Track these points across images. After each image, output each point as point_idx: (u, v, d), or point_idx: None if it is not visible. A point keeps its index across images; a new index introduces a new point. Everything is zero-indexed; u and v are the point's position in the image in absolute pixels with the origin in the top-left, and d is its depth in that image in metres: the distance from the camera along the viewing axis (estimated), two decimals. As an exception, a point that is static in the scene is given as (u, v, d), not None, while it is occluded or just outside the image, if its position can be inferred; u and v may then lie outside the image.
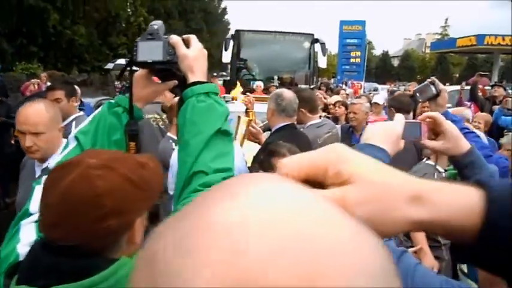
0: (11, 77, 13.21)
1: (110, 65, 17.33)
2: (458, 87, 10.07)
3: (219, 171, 1.15)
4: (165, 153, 3.45)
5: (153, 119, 4.50)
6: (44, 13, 15.74)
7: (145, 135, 4.60)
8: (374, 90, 24.17)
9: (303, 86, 11.59)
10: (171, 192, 2.95)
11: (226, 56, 12.79)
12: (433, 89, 1.86)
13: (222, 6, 46.20)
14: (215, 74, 12.67)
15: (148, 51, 1.21)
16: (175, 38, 1.23)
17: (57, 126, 2.40)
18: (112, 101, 1.35)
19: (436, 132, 1.32)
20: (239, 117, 3.83)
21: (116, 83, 15.35)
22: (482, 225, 0.43)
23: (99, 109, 1.35)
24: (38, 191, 1.16)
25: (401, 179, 0.46)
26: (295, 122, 3.28)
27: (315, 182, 0.45)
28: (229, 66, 13.39)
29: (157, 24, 1.27)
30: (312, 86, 10.19)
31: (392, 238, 1.07)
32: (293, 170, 0.45)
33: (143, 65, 1.25)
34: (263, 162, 2.18)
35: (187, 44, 1.25)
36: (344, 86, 16.49)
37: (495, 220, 0.43)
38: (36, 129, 2.30)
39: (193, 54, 1.23)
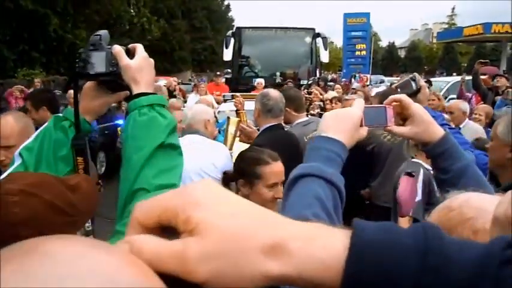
0: (13, 83, 13.22)
1: None
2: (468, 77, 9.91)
3: (162, 188, 1.09)
4: None
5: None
6: (45, 18, 15.76)
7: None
8: (380, 83, 23.92)
9: (305, 81, 11.52)
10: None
11: (227, 54, 12.75)
12: (414, 85, 1.82)
13: (225, 3, 46.22)
14: (218, 72, 12.58)
15: (91, 62, 1.17)
16: (117, 48, 1.18)
17: (29, 137, 2.30)
18: (60, 114, 1.29)
19: (404, 117, 1.19)
20: (228, 117, 3.76)
21: None
22: (341, 284, 0.37)
23: (45, 124, 1.28)
24: None
25: (259, 224, 0.39)
26: (282, 122, 3.18)
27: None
28: (231, 64, 13.32)
29: (101, 33, 1.23)
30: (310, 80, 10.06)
31: None
32: (144, 216, 0.40)
33: (87, 77, 1.20)
34: (245, 171, 2.04)
35: (132, 53, 1.21)
36: (353, 80, 16.27)
37: (357, 277, 0.37)
38: (7, 142, 2.21)
39: (136, 65, 1.18)
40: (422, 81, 1.83)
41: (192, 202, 0.39)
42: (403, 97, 1.19)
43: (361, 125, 1.11)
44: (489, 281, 0.36)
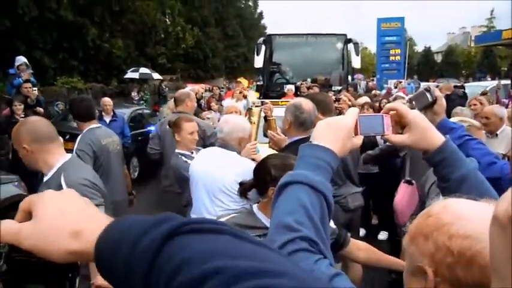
0: (52, 91, 13.71)
1: (130, 74, 17.33)
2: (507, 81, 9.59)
3: None
4: (177, 169, 3.49)
5: (174, 131, 4.53)
6: (83, 28, 16.28)
7: (166, 145, 4.65)
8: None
9: (338, 87, 11.41)
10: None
11: (259, 61, 12.79)
12: (429, 96, 1.74)
13: (258, 11, 46.43)
14: (240, 78, 12.63)
15: None
16: None
17: (20, 144, 2.41)
18: None
19: (402, 125, 1.18)
20: (250, 108, 3.72)
21: (133, 94, 15.48)
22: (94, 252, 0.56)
23: None
24: None
25: (73, 217, 0.59)
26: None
27: None
28: (262, 71, 13.37)
29: None
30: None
31: (325, 258, 0.92)
32: (22, 206, 0.62)
33: None
34: (277, 178, 2.01)
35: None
36: (392, 87, 15.87)
37: (99, 259, 0.56)
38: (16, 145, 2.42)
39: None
40: (437, 92, 1.76)
41: (40, 199, 0.61)
42: (399, 105, 1.18)
43: (356, 134, 1.12)
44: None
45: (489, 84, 12.90)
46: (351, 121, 1.09)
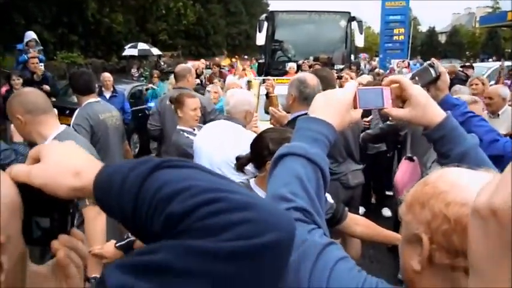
0: (52, 66, 13.62)
1: (129, 51, 16.94)
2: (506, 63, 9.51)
3: None
4: (180, 146, 3.45)
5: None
6: (83, 2, 16.09)
7: (166, 121, 4.61)
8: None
9: (341, 66, 11.31)
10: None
11: (261, 38, 12.63)
12: (433, 71, 1.70)
13: (261, -13, 45.75)
14: (246, 56, 12.48)
15: None
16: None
17: (13, 115, 2.42)
18: None
19: (403, 99, 1.16)
20: (249, 81, 3.70)
21: (133, 70, 14.97)
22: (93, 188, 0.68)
23: None
24: None
25: (75, 160, 0.71)
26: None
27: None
28: (264, 49, 13.22)
29: None
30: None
31: (319, 228, 0.93)
32: (31, 154, 0.74)
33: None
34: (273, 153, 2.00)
35: None
36: (394, 67, 15.61)
37: (96, 192, 0.67)
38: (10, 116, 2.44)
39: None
40: (441, 68, 1.72)
41: (46, 147, 0.74)
42: (401, 78, 1.16)
43: (355, 107, 1.10)
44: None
45: (493, 65, 12.77)
46: (350, 94, 1.07)
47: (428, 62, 1.74)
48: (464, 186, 0.84)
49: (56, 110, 2.60)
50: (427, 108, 1.14)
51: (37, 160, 0.72)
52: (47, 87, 7.53)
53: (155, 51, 17.74)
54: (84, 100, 3.78)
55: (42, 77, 7.86)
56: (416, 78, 1.71)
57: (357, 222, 1.99)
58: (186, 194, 0.57)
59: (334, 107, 1.04)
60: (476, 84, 5.61)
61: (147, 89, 7.69)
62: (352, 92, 1.08)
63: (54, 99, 7.10)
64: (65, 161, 0.71)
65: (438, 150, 1.17)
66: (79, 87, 3.84)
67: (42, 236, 0.73)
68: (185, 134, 3.49)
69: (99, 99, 4.04)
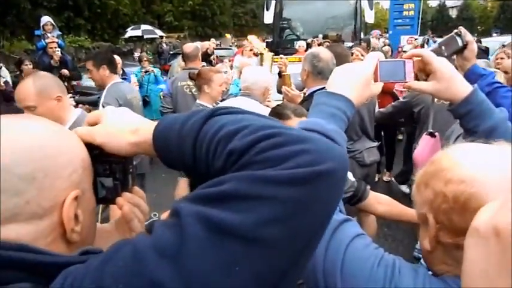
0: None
1: (132, 32, 16.44)
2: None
3: None
4: None
5: (185, 86, 4.42)
6: (88, -15, 15.98)
7: (179, 103, 4.56)
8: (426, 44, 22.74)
9: (350, 44, 11.13)
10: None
11: (268, 17, 12.48)
12: (459, 40, 1.64)
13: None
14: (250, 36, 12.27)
15: None
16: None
17: (50, 97, 2.31)
18: None
19: (427, 73, 1.10)
20: (261, 53, 3.66)
21: (135, 54, 14.40)
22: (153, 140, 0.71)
23: None
24: None
25: (131, 120, 0.77)
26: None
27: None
28: (272, 27, 13.05)
29: None
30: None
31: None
32: (89, 119, 0.80)
33: None
34: None
35: None
36: (405, 44, 15.27)
37: (156, 142, 0.71)
38: (26, 104, 2.27)
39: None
40: (469, 36, 1.66)
41: (103, 111, 0.79)
42: (424, 51, 1.10)
43: (376, 80, 1.04)
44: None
45: (505, 39, 12.47)
46: (370, 67, 1.02)
47: (456, 30, 1.68)
48: (465, 163, 0.80)
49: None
50: (452, 82, 1.08)
51: (94, 124, 0.78)
52: (65, 71, 7.40)
53: (159, 32, 17.43)
54: (109, 80, 3.77)
55: (60, 61, 7.62)
56: (443, 47, 1.65)
57: (380, 201, 1.95)
58: (246, 131, 0.60)
59: (354, 80, 0.99)
60: (502, 58, 5.31)
61: (146, 72, 7.51)
62: (373, 65, 1.03)
63: (74, 83, 6.99)
64: (123, 120, 0.77)
65: (465, 126, 1.11)
66: (113, 65, 3.85)
67: (106, 194, 0.80)
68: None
69: (121, 80, 4.05)
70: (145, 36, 16.70)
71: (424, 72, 1.11)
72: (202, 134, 0.64)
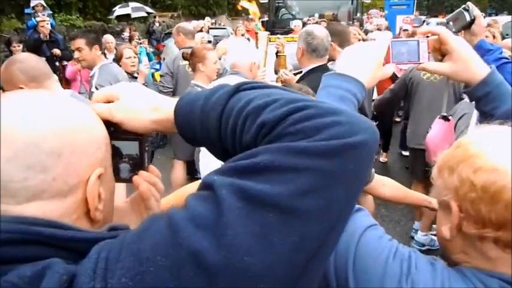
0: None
1: (120, 11, 15.70)
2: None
3: None
4: None
5: (187, 66, 4.36)
6: (79, -38, 15.57)
7: (179, 83, 4.50)
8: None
9: (345, 23, 11.00)
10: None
11: (264, -5, 12.25)
12: (467, 15, 1.62)
13: None
14: (250, 16, 12.05)
15: None
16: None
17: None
18: None
19: (442, 53, 1.06)
20: (256, 33, 3.64)
21: (124, 34, 13.72)
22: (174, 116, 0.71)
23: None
24: None
25: (149, 97, 0.75)
26: (327, 62, 3.00)
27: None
28: (267, 6, 12.85)
29: None
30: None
31: None
32: (101, 96, 0.77)
33: None
34: None
35: None
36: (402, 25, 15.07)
37: (178, 118, 0.71)
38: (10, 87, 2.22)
39: None
40: (477, 11, 1.64)
41: (118, 88, 0.77)
42: (441, 30, 1.05)
43: (387, 61, 1.00)
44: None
45: (503, 19, 12.38)
46: (382, 48, 0.98)
47: (464, 5, 1.66)
48: (496, 150, 0.76)
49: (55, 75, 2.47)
50: (469, 63, 1.04)
51: (105, 102, 0.76)
52: (57, 51, 7.22)
53: (148, 9, 16.76)
54: (99, 60, 3.72)
55: (51, 40, 7.43)
56: (451, 23, 1.63)
57: (384, 183, 1.92)
58: (276, 105, 0.60)
59: (365, 62, 0.95)
60: (487, 37, 5.39)
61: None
62: (385, 46, 0.99)
63: (66, 63, 6.80)
64: (142, 97, 0.75)
65: (481, 109, 1.08)
66: (100, 46, 3.83)
67: (123, 173, 0.79)
68: (198, 89, 3.43)
69: (110, 60, 3.99)
70: (133, 15, 15.94)
71: (439, 51, 1.07)
72: (228, 109, 0.64)
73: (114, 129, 0.74)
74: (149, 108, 0.73)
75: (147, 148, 0.80)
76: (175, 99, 0.73)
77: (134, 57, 4.45)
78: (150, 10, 16.83)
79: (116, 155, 0.76)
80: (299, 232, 0.53)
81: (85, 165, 0.64)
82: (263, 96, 0.63)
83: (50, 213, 0.60)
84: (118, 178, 0.78)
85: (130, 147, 0.78)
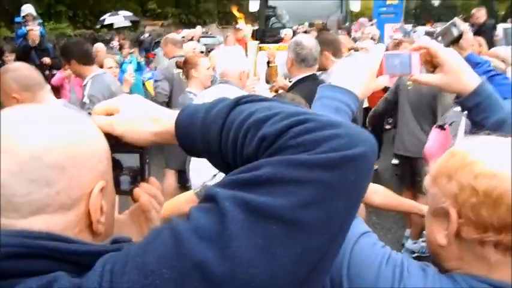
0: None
1: (110, 19, 15.33)
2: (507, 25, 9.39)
3: None
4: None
5: (181, 73, 4.38)
6: (69, -30, 15.56)
7: (174, 90, 4.49)
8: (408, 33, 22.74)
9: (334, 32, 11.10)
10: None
11: (254, 5, 12.39)
12: (455, 31, 1.67)
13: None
14: (238, 26, 12.02)
15: None
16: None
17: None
18: None
19: (434, 65, 1.09)
20: (246, 42, 3.67)
21: (113, 43, 12.55)
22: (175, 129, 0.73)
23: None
24: None
25: (150, 109, 0.76)
26: (316, 71, 3.04)
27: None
28: (257, 15, 12.94)
29: None
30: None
31: None
32: (102, 109, 0.78)
33: None
34: None
35: None
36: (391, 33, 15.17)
37: (179, 130, 0.72)
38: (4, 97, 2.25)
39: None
40: (464, 26, 1.70)
41: (118, 100, 0.79)
42: (431, 44, 1.09)
43: (380, 73, 1.04)
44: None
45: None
46: (376, 60, 1.01)
47: (452, 21, 1.71)
48: (493, 156, 0.79)
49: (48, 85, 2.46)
50: (460, 74, 1.07)
51: (104, 115, 0.77)
52: (46, 60, 7.18)
53: (134, 18, 16.47)
54: (88, 71, 3.58)
55: (41, 48, 7.40)
56: (440, 38, 1.67)
57: (375, 191, 1.94)
58: (277, 118, 0.61)
59: (359, 74, 0.98)
60: (472, 46, 5.48)
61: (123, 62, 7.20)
62: (378, 57, 1.02)
63: (55, 72, 6.72)
64: (142, 109, 0.76)
65: (473, 119, 1.11)
66: (83, 55, 3.60)
67: (124, 185, 0.80)
68: (193, 97, 3.44)
69: (104, 70, 3.93)
70: (117, 25, 15.47)
71: (430, 63, 1.10)
72: (229, 122, 0.65)
73: (116, 142, 0.75)
74: (149, 120, 0.74)
75: (147, 160, 0.81)
76: (175, 112, 0.74)
77: (116, 67, 4.44)
78: (135, 18, 16.54)
79: (117, 167, 0.77)
80: (301, 244, 0.54)
81: (87, 179, 0.65)
82: (264, 110, 0.64)
83: (54, 226, 0.61)
84: (118, 190, 0.79)
85: (130, 160, 0.79)
